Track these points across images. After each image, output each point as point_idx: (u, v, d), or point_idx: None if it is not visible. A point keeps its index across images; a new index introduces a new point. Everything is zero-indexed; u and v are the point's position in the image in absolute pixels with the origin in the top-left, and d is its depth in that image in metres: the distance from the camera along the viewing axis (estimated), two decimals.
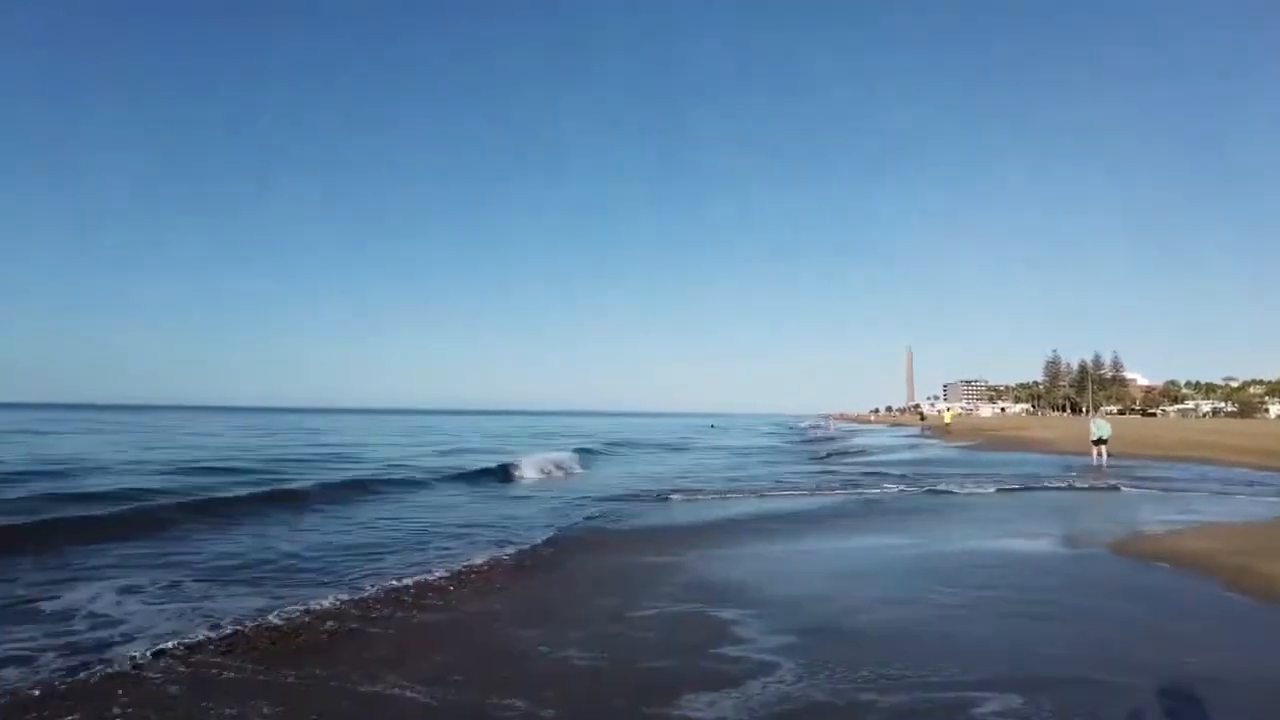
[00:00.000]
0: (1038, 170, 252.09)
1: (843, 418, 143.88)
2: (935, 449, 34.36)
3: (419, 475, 17.46)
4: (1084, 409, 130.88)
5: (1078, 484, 16.54)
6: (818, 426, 76.30)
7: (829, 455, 29.54)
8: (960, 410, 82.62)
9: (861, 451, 33.27)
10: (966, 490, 15.42)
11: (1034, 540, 9.59)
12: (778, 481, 17.74)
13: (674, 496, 14.44)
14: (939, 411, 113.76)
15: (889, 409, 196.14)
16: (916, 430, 65.76)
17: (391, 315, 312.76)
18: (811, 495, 14.97)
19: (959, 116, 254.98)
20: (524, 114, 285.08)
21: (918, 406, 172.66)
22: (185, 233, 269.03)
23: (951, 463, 24.38)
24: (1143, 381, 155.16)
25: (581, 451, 25.65)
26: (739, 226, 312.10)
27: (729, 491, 15.58)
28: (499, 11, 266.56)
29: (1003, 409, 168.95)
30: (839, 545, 9.34)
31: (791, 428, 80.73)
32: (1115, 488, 15.73)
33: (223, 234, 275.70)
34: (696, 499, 14.27)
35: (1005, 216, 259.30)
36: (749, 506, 13.20)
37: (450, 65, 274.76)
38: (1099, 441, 24.22)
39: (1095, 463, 23.44)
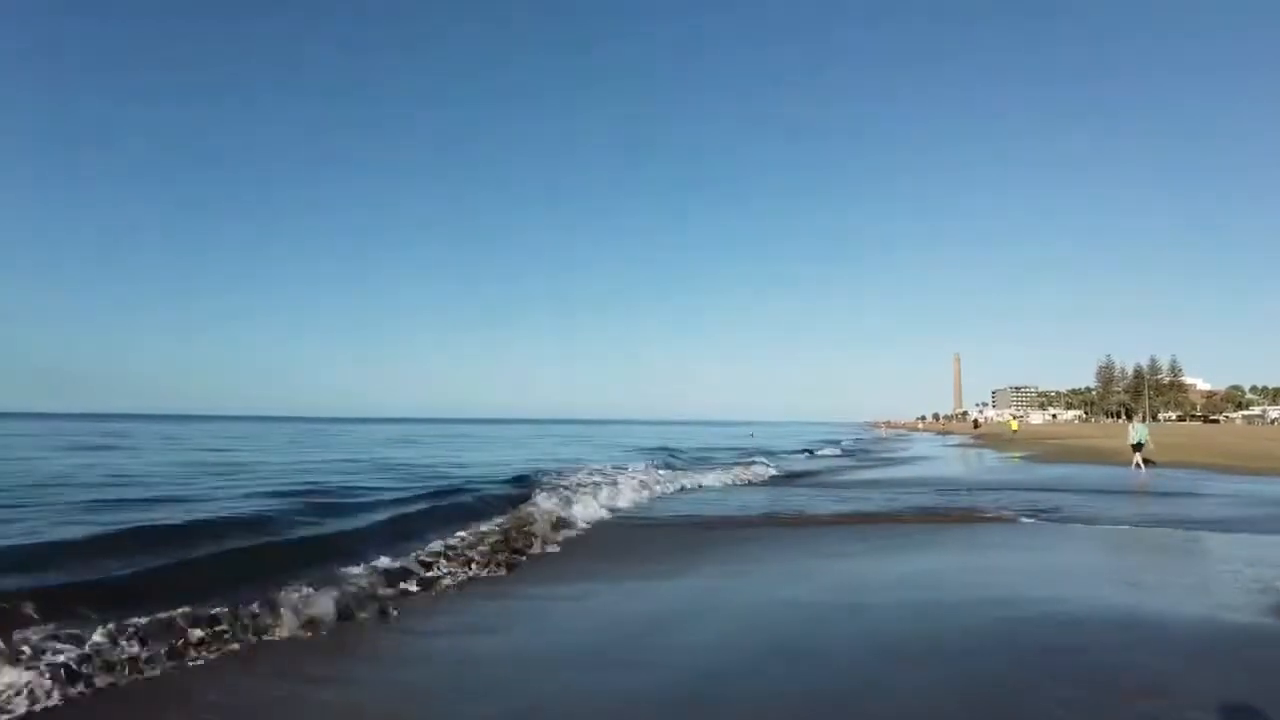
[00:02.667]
0: (1090, 168, 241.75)
1: (889, 425, 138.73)
2: (991, 459, 31.12)
3: None
4: (1141, 416, 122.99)
5: (1160, 506, 13.55)
6: (885, 437, 72.52)
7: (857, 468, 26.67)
8: (1011, 417, 77.73)
9: (910, 461, 30.31)
10: (1036, 512, 12.63)
11: (1154, 595, 6.86)
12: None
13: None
14: (988, 419, 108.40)
15: (936, 416, 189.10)
16: (968, 438, 61.74)
17: (383, 322, 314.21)
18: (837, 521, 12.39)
19: (1004, 113, 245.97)
20: (545, 118, 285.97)
21: (965, 413, 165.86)
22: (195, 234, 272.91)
23: (1012, 480, 21.35)
24: (1203, 386, 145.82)
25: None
26: (777, 230, 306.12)
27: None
28: (511, 13, 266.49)
29: (1054, 416, 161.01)
30: (878, 600, 6.82)
31: (852, 437, 77.21)
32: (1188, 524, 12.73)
33: (239, 239, 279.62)
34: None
35: (1055, 217, 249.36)
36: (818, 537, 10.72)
37: (474, 70, 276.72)
38: (1137, 447, 22.49)
39: (1134, 471, 21.36)
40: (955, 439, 61.39)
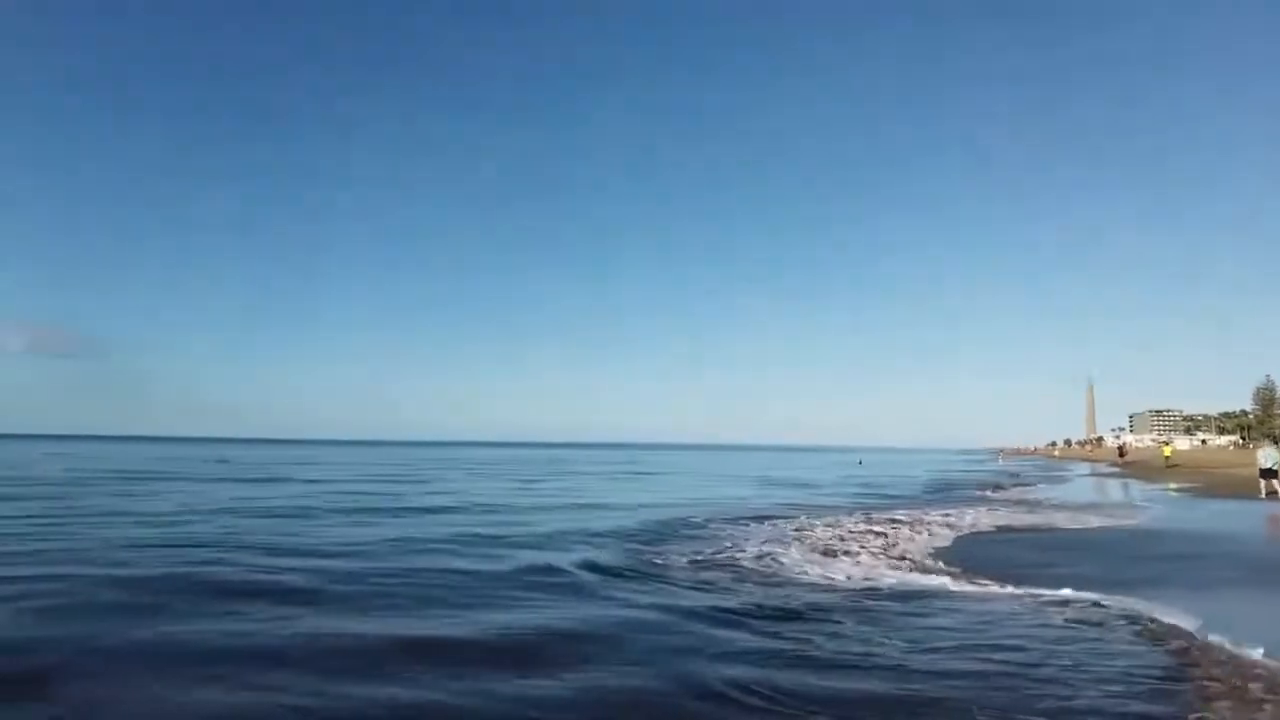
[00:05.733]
0: (1232, 167, 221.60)
1: (1018, 453, 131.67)
2: (1141, 492, 30.21)
3: None
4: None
5: None
6: (1013, 471, 69.62)
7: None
8: (1163, 443, 72.37)
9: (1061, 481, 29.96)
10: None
11: None
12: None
13: None
14: (1130, 445, 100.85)
15: (1068, 442, 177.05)
16: (1103, 465, 58.69)
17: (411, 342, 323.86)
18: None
19: (1142, 113, 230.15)
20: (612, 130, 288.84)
21: (1100, 439, 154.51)
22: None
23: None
24: None
25: None
26: (889, 244, 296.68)
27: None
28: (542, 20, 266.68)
29: (1203, 441, 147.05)
30: None
31: (1002, 467, 74.52)
32: None
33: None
34: None
35: (1197, 223, 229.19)
36: None
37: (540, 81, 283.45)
38: (1269, 474, 21.26)
39: (1265, 500, 20.50)
40: (1085, 467, 58.42)
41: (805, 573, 9.62)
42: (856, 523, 15.97)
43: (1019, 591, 8.40)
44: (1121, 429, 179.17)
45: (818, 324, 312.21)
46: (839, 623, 6.83)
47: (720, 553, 11.24)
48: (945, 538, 13.92)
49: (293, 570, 9.15)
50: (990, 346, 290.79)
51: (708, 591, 8.36)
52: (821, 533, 14.03)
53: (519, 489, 26.98)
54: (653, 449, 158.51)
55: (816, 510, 18.66)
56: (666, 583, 8.91)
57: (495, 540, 12.32)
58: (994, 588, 8.72)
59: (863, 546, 12.35)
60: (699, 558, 10.76)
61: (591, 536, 12.88)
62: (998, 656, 5.66)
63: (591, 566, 9.73)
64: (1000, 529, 15.77)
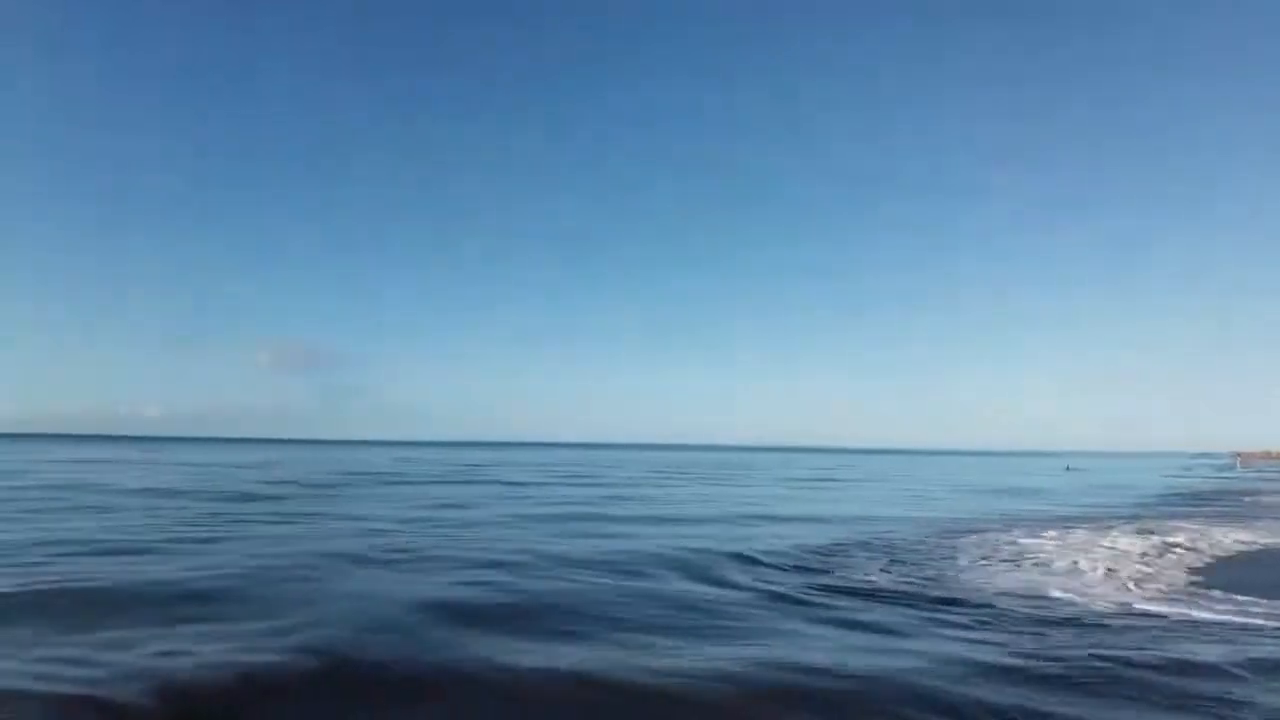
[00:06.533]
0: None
1: (1267, 456, 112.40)
2: None
3: None
4: None
5: None
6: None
7: None
8: None
9: None
10: None
11: None
12: None
13: None
14: None
15: None
16: None
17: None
18: None
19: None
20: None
21: None
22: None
23: None
24: None
25: None
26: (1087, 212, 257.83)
27: None
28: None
29: None
30: None
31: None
32: None
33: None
34: None
35: None
36: None
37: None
38: None
39: None
40: None
41: (1086, 604, 8.34)
42: (1110, 539, 14.30)
43: None
44: None
45: (993, 321, 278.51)
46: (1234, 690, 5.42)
47: (984, 579, 9.99)
48: (1229, 561, 12.02)
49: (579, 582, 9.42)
50: (1230, 332, 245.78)
51: (982, 630, 7.33)
52: (1077, 552, 12.56)
53: (709, 497, 26.35)
54: (830, 453, 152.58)
55: (1047, 523, 17.15)
56: (917, 615, 8.02)
57: (700, 557, 11.61)
58: None
59: (1140, 568, 10.97)
60: (946, 580, 9.81)
61: (811, 554, 12.06)
62: None
63: (795, 598, 8.91)
64: None
